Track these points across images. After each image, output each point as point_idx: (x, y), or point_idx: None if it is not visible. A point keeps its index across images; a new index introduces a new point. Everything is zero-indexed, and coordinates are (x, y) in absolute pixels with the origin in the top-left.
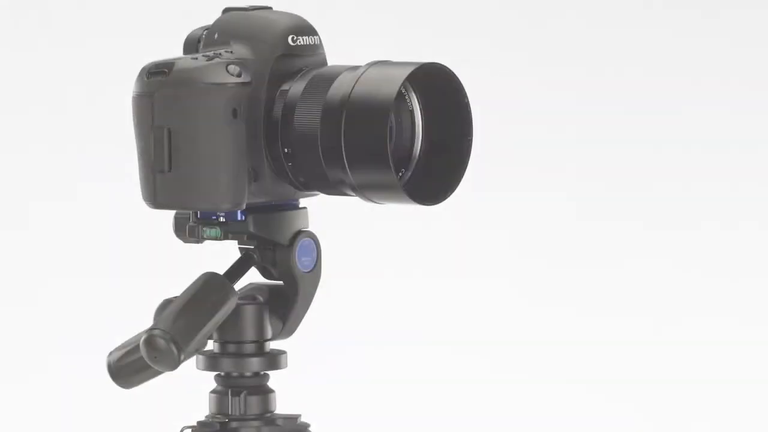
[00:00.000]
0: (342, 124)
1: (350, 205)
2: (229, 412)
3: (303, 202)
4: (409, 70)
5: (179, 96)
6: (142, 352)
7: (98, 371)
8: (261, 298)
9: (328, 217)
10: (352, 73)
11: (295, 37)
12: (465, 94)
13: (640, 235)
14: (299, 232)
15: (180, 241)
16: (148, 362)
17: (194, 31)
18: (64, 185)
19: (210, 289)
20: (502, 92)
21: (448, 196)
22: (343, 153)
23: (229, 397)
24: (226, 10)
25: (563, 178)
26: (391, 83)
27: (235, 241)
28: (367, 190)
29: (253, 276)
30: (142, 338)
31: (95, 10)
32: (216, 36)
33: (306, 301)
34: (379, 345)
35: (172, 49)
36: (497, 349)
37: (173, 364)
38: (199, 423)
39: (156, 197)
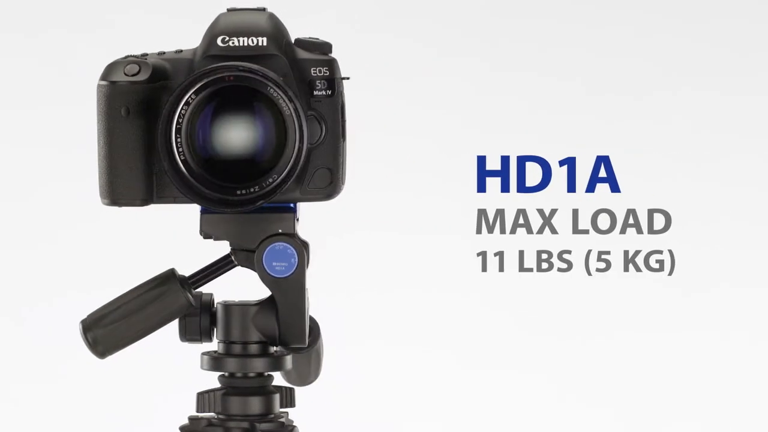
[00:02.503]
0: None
1: (349, 206)
2: (196, 410)
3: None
4: (202, 71)
5: (97, 94)
6: None
7: (98, 371)
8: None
9: (329, 219)
10: None
11: (226, 39)
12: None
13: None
14: (271, 236)
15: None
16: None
17: None
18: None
19: (154, 285)
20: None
21: (259, 204)
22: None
23: (197, 396)
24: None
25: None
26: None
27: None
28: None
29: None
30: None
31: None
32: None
33: (291, 308)
34: (378, 347)
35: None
36: (497, 351)
37: (96, 354)
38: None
39: (99, 191)
